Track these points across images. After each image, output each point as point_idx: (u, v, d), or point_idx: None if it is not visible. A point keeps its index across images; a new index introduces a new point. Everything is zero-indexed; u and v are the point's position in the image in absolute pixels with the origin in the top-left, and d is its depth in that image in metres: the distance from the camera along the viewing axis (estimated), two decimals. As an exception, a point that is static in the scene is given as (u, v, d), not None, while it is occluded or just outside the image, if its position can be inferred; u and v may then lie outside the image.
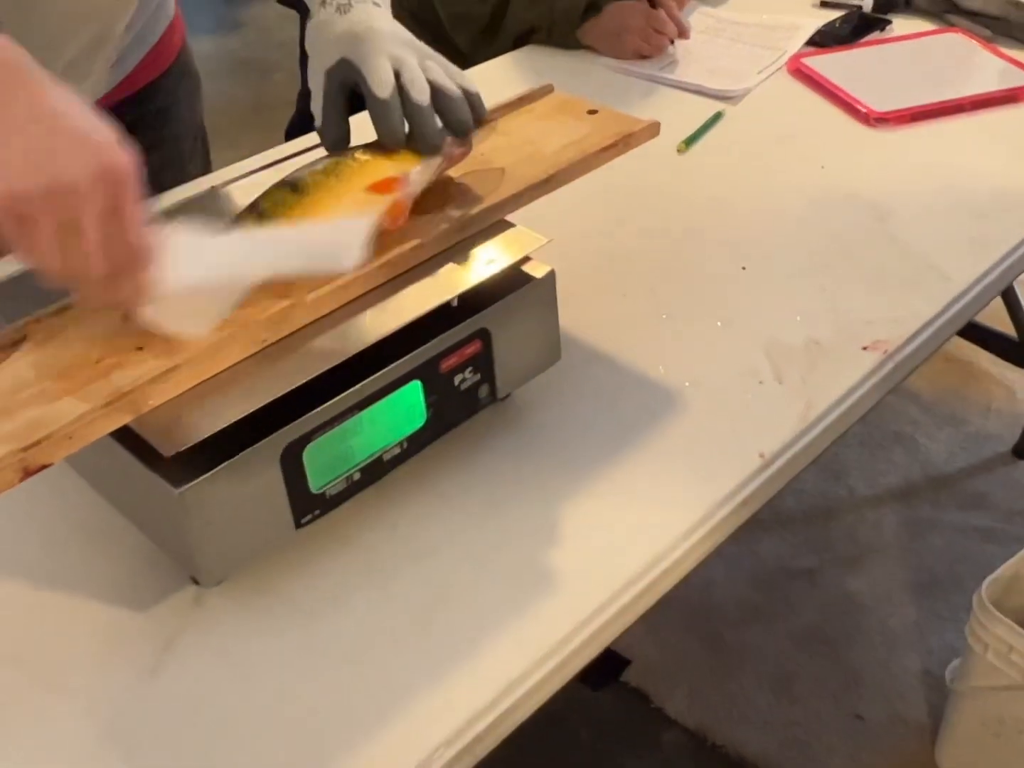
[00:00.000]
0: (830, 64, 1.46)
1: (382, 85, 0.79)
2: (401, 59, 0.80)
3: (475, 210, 0.82)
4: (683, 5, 1.58)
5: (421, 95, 0.79)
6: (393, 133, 0.80)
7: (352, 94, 0.84)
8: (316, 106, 0.84)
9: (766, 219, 1.16)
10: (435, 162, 0.82)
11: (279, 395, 0.69)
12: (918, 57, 1.50)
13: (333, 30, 0.83)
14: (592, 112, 0.95)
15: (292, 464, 0.72)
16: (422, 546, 0.78)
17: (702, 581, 1.82)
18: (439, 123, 0.80)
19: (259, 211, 0.77)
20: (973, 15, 1.59)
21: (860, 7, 1.64)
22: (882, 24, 1.60)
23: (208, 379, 0.70)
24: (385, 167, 0.80)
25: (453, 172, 0.87)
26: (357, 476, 0.76)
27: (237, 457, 0.69)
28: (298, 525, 0.74)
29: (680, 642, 1.74)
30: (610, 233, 1.14)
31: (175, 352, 0.70)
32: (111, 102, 1.16)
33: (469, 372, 0.81)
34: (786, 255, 1.10)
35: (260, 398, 0.69)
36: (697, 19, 1.62)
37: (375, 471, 0.78)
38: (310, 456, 0.72)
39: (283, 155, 0.96)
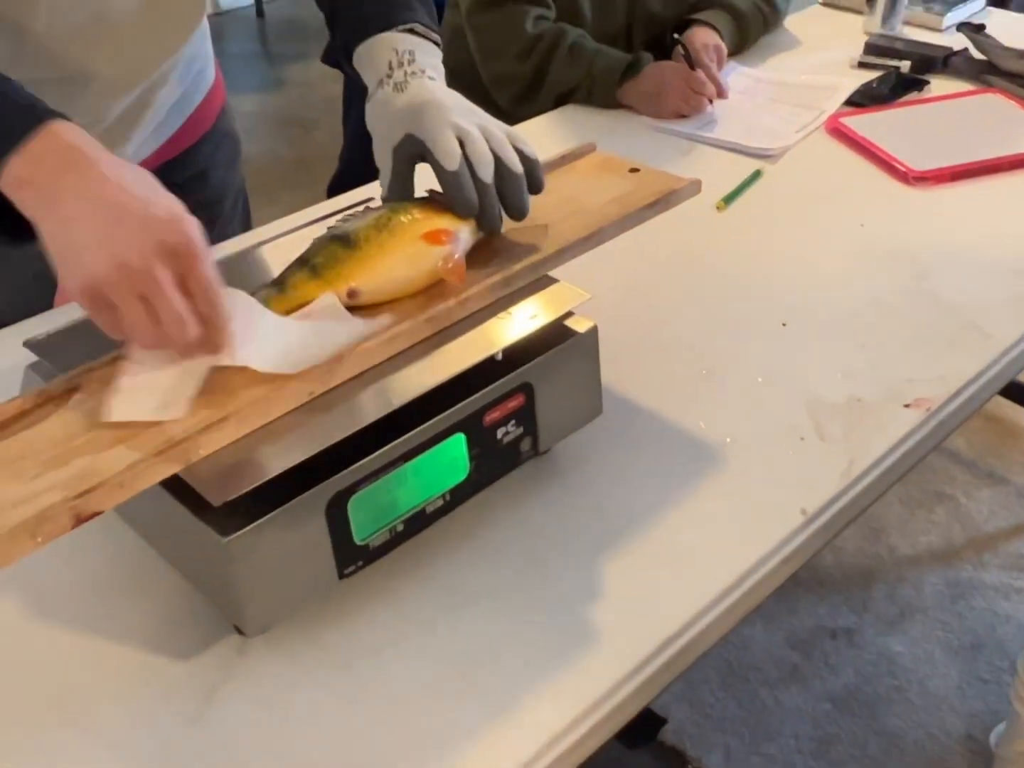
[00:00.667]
0: (868, 123, 1.47)
1: (450, 157, 0.81)
2: (464, 130, 0.82)
3: (519, 266, 0.83)
4: (721, 66, 1.60)
5: (486, 172, 0.81)
6: (468, 204, 0.81)
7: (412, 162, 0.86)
8: (384, 182, 0.87)
9: (806, 276, 1.16)
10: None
11: (325, 446, 0.70)
12: (957, 117, 1.51)
13: (393, 107, 0.85)
14: (634, 170, 0.96)
15: (337, 515, 0.72)
16: (464, 599, 0.79)
17: (740, 639, 1.80)
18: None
19: (311, 265, 0.78)
20: (1011, 76, 1.60)
21: (898, 68, 1.65)
22: (920, 84, 1.61)
23: (256, 430, 0.70)
24: (435, 221, 0.82)
25: (497, 228, 0.88)
26: (400, 528, 0.77)
27: (284, 507, 0.70)
28: (341, 576, 0.75)
29: (717, 701, 1.71)
30: (652, 289, 1.15)
31: (225, 403, 0.71)
32: (150, 167, 1.17)
33: (512, 425, 0.81)
34: (827, 312, 1.10)
35: (307, 449, 0.69)
36: (736, 79, 1.64)
37: (418, 523, 0.78)
38: (354, 507, 0.73)
39: (326, 212, 0.98)
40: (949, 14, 1.83)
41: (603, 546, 0.83)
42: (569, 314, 0.84)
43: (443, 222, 0.82)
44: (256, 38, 4.60)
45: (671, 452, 0.92)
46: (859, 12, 1.84)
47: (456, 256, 0.81)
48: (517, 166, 0.83)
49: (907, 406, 0.96)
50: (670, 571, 0.81)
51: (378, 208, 0.85)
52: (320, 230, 0.85)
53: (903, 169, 1.35)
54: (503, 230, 0.87)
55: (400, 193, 0.86)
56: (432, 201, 0.85)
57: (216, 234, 1.27)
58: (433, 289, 0.81)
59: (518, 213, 0.84)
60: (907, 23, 1.82)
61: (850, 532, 1.99)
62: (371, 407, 0.73)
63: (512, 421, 0.81)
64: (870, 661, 1.77)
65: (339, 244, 0.80)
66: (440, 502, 0.79)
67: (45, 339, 0.83)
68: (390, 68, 0.87)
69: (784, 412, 0.96)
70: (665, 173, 0.95)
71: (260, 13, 4.63)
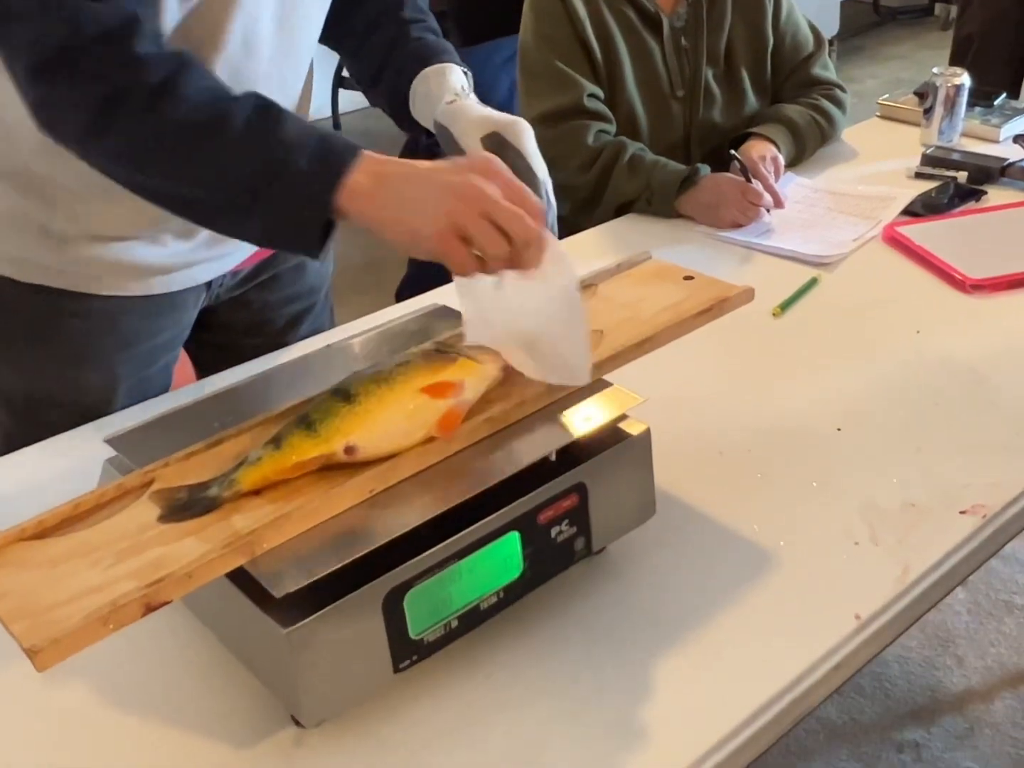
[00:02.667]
0: (925, 233, 1.48)
1: (542, 167, 0.93)
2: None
3: (574, 370, 0.85)
4: (778, 177, 1.63)
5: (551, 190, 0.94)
6: (541, 206, 0.88)
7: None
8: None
9: (861, 381, 1.17)
10: (491, 374, 0.83)
11: (384, 542, 0.72)
12: (1013, 226, 1.52)
13: (481, 110, 0.98)
14: (688, 278, 0.99)
15: (393, 609, 0.74)
16: (516, 697, 0.79)
17: (802, 750, 1.75)
18: None
19: (308, 422, 0.78)
20: (1069, 186, 1.61)
21: (955, 178, 1.67)
22: (977, 195, 1.63)
23: (318, 525, 0.73)
24: (440, 373, 0.81)
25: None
26: (455, 623, 0.78)
27: (342, 600, 0.72)
28: (396, 669, 0.76)
29: (779, 815, 1.67)
30: (707, 392, 1.16)
31: (289, 498, 0.75)
32: (262, 256, 1.26)
33: (565, 525, 0.82)
34: (881, 417, 1.11)
35: (366, 545, 0.72)
36: (793, 190, 1.67)
37: (472, 619, 0.79)
38: (410, 602, 0.75)
39: (395, 316, 1.03)
40: (1006, 126, 1.85)
41: (655, 647, 0.83)
42: (623, 417, 0.86)
43: (448, 374, 0.81)
44: (332, 148, 4.78)
45: (724, 554, 0.92)
46: (916, 124, 1.87)
47: (457, 409, 0.79)
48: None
49: (963, 512, 0.96)
50: (722, 673, 0.81)
51: (378, 364, 0.84)
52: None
53: (960, 277, 1.35)
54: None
55: None
56: (440, 353, 0.84)
57: (312, 320, 1.36)
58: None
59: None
60: (964, 135, 1.84)
61: (916, 642, 1.94)
62: (428, 504, 0.75)
63: (566, 520, 0.82)
64: (939, 777, 1.71)
65: (338, 399, 0.79)
66: (494, 599, 0.80)
67: (123, 436, 0.87)
68: (463, 89, 1.02)
69: (838, 516, 0.96)
70: (719, 281, 0.98)
71: (336, 125, 4.83)
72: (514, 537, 0.79)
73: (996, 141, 1.83)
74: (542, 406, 0.84)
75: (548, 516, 0.81)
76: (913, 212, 1.59)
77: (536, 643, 0.84)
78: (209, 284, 1.22)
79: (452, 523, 0.76)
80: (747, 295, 0.97)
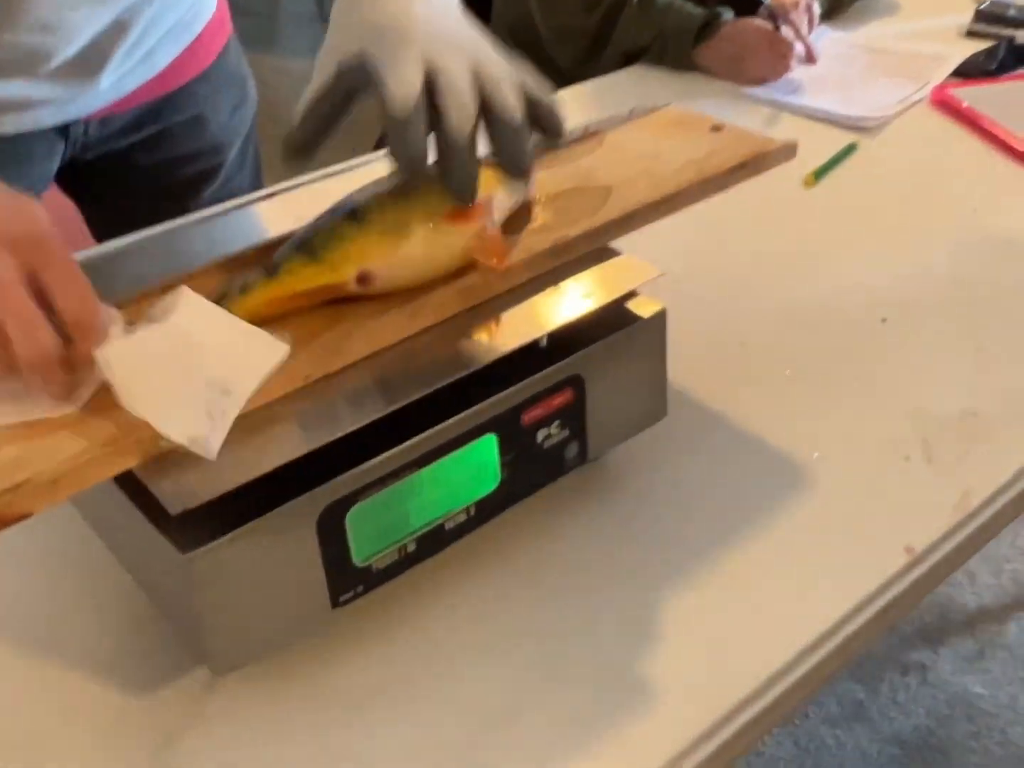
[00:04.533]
0: (982, 96, 1.34)
1: (397, 101, 0.62)
2: (440, 67, 0.64)
3: (574, 232, 0.72)
4: (813, 27, 1.48)
5: (459, 128, 0.63)
6: (404, 160, 0.63)
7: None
8: (309, 91, 0.67)
9: (909, 265, 1.04)
10: (522, 184, 0.70)
11: (321, 445, 0.59)
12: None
13: (361, 9, 0.67)
14: (716, 129, 0.85)
15: (331, 530, 0.62)
16: (489, 636, 0.68)
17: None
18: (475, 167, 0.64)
19: (309, 246, 0.66)
20: None
21: (1012, 37, 1.52)
22: (1036, 57, 1.48)
23: (237, 419, 0.59)
24: None
25: (550, 187, 0.77)
26: (412, 547, 0.67)
27: (263, 518, 0.59)
28: (335, 604, 0.64)
29: (772, 738, 1.61)
30: (729, 271, 1.04)
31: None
32: (142, 101, 1.12)
33: (556, 427, 0.71)
34: (934, 308, 0.97)
35: (297, 448, 0.59)
36: (828, 45, 1.52)
37: (434, 542, 0.68)
38: (354, 521, 0.63)
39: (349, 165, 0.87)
40: (1069, -19, 1.69)
41: (660, 580, 0.72)
42: (632, 294, 0.73)
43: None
44: (312, -1, 4.63)
45: (746, 467, 0.80)
46: (968, -23, 1.70)
47: (489, 230, 0.68)
48: (514, 115, 0.64)
49: (1035, 425, 0.83)
50: (741, 617, 0.69)
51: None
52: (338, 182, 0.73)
53: (1022, 148, 1.21)
54: (553, 192, 0.76)
55: (317, 121, 0.66)
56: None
57: (221, 186, 1.22)
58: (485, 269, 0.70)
59: (514, 168, 0.66)
60: (1022, -11, 1.69)
61: (926, 555, 1.87)
62: (381, 398, 0.63)
63: (556, 421, 0.71)
64: (945, 702, 1.67)
65: (346, 220, 0.67)
66: (463, 517, 0.69)
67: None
68: None
69: (884, 425, 0.84)
70: (753, 133, 0.84)
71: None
72: (490, 441, 0.68)
73: (1058, -3, 1.67)
74: (531, 277, 0.70)
75: (534, 416, 0.70)
76: (962, 74, 1.43)
77: (515, 571, 0.72)
78: (66, 132, 1.07)
79: (411, 422, 0.64)
80: (788, 151, 0.82)
